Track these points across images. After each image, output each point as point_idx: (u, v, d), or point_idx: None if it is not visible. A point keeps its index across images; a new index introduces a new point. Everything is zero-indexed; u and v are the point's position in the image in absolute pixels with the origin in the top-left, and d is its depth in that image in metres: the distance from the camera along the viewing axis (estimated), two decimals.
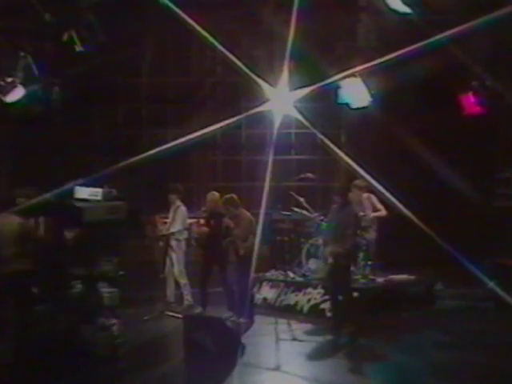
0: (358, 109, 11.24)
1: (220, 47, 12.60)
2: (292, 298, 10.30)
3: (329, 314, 9.66)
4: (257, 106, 12.82)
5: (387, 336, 9.02)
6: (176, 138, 12.03)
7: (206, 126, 12.20)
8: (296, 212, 10.93)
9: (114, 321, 7.76)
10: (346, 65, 11.70)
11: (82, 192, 10.06)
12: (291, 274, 10.76)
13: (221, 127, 12.58)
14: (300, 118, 13.34)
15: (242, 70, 12.53)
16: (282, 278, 10.80)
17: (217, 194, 10.58)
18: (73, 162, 11.25)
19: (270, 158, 13.06)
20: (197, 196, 14.52)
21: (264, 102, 12.73)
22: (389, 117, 11.88)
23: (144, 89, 14.44)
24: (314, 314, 9.89)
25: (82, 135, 12.65)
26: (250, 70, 12.52)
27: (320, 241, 10.52)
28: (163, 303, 10.58)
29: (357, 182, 11.11)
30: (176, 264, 10.63)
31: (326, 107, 13.52)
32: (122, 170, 11.74)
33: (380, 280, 10.23)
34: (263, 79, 12.65)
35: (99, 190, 10.12)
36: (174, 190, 10.98)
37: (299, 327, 9.57)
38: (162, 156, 12.40)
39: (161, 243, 10.62)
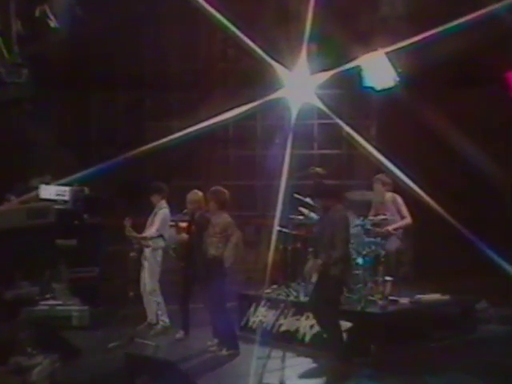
0: (383, 91, 9.52)
1: (231, 28, 11.36)
2: (292, 323, 8.28)
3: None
4: (273, 94, 11.43)
5: (404, 379, 7.01)
6: (182, 131, 10.80)
7: (215, 117, 11.06)
8: (303, 215, 9.10)
9: (39, 359, 6.06)
10: (370, 41, 9.99)
11: (47, 191, 8.71)
12: (294, 292, 8.83)
13: (233, 118, 11.33)
14: (322, 106, 11.82)
15: (256, 54, 11.24)
16: (282, 296, 8.89)
17: (199, 194, 8.86)
18: (45, 158, 9.75)
19: (289, 153, 11.55)
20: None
21: (281, 89, 11.35)
22: (420, 101, 10.05)
23: (145, 76, 12.90)
24: (317, 344, 7.90)
25: (60, 127, 11.11)
26: (265, 52, 11.13)
27: None
28: (144, 325, 8.90)
29: (380, 175, 9.26)
30: (148, 278, 8.89)
31: (351, 93, 11.88)
32: (113, 167, 10.35)
33: (404, 301, 8.27)
34: (280, 63, 11.23)
35: (66, 189, 8.67)
36: (157, 190, 9.26)
37: (294, 363, 7.53)
38: (166, 150, 11.31)
39: (131, 253, 8.88)
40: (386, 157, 10.59)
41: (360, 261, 8.24)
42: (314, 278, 7.54)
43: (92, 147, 11.91)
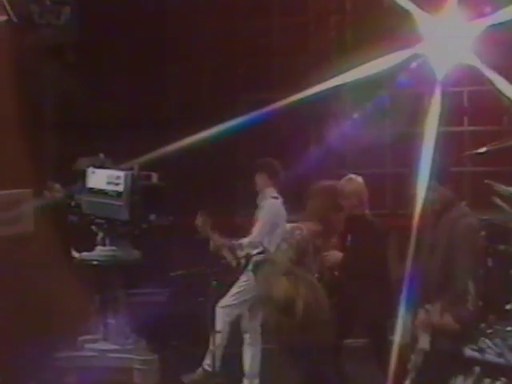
0: None
1: None
2: None
3: None
4: (409, 52, 8.56)
5: None
6: (284, 105, 8.19)
7: (328, 87, 8.37)
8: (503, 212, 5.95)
9: None
10: None
11: (97, 177, 6.05)
12: (494, 347, 5.26)
13: (352, 87, 8.66)
14: (480, 68, 8.78)
15: None
16: (478, 353, 5.26)
17: (359, 181, 5.97)
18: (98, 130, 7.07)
19: (431, 131, 8.65)
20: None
21: (421, 45, 8.43)
22: None
23: (237, 34, 10.09)
24: None
25: (119, 87, 8.37)
26: None
27: None
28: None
29: None
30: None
31: None
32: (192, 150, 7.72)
33: None
34: (419, 7, 8.27)
35: (120, 174, 5.95)
36: (264, 168, 6.33)
37: None
38: (264, 131, 8.87)
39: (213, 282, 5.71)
40: None
41: None
42: (424, 343, 4.36)
43: (164, 121, 9.23)
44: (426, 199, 4.53)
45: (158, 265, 6.88)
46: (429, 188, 4.48)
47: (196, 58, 9.89)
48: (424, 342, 4.23)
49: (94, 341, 6.49)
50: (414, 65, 8.83)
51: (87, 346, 6.43)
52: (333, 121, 10.19)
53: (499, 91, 8.49)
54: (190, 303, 6.89)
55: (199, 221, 6.06)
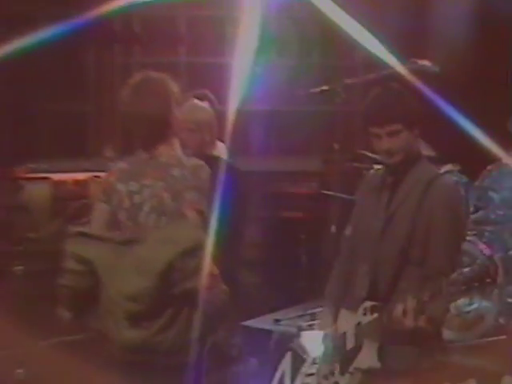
0: None
1: None
2: None
3: None
4: None
5: None
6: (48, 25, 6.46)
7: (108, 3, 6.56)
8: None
9: None
10: None
11: None
12: None
13: (138, 7, 7.02)
14: None
15: None
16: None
17: (210, 110, 4.56)
18: None
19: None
20: (95, 128, 8.34)
21: None
22: None
23: None
24: None
25: None
26: None
27: None
28: None
29: None
30: None
31: None
32: None
33: None
34: None
35: None
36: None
37: None
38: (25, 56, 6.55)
39: None
40: None
41: None
42: (369, 358, 3.07)
43: None
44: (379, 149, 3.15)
45: None
46: (389, 133, 3.10)
47: None
48: (370, 356, 2.93)
49: None
50: None
51: None
52: (116, 45, 8.38)
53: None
54: None
55: None
